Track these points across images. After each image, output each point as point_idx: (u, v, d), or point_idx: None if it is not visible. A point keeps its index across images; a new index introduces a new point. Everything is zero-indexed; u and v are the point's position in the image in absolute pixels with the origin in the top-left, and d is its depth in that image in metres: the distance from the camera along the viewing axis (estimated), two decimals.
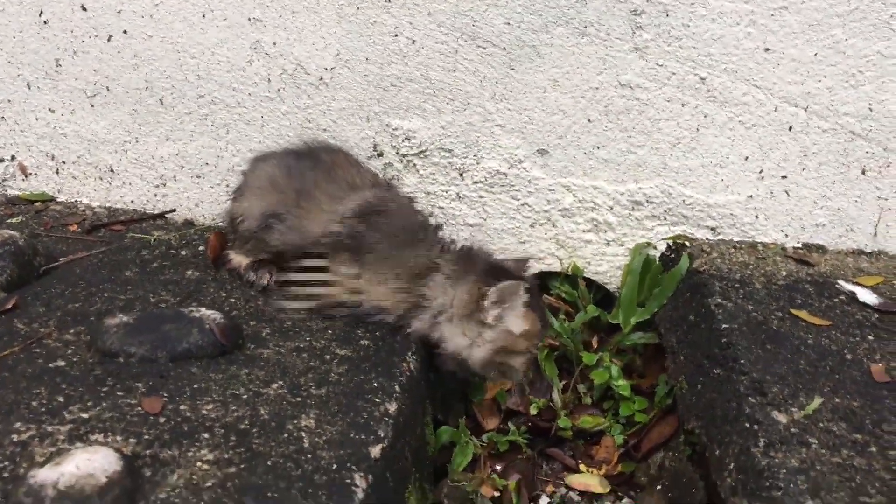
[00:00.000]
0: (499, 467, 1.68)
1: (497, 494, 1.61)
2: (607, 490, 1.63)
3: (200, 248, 1.90)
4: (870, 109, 1.81)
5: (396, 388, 1.40)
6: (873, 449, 1.20)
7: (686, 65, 1.82)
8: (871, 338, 1.50)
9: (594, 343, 1.93)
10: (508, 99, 1.90)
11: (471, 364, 1.55)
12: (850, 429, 1.24)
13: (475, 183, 1.98)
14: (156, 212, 2.09)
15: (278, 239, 1.66)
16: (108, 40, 2.01)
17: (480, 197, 1.99)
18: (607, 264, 1.99)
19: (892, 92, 1.79)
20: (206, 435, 1.22)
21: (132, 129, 2.07)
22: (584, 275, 2.00)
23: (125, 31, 1.99)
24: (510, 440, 1.72)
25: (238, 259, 1.74)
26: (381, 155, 1.98)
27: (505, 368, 1.56)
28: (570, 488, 1.66)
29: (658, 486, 1.59)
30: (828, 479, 1.13)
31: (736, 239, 1.91)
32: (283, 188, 1.68)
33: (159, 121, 2.05)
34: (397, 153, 1.97)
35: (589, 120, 1.90)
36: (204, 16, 1.93)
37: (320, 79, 1.94)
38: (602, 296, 2.02)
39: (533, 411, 1.77)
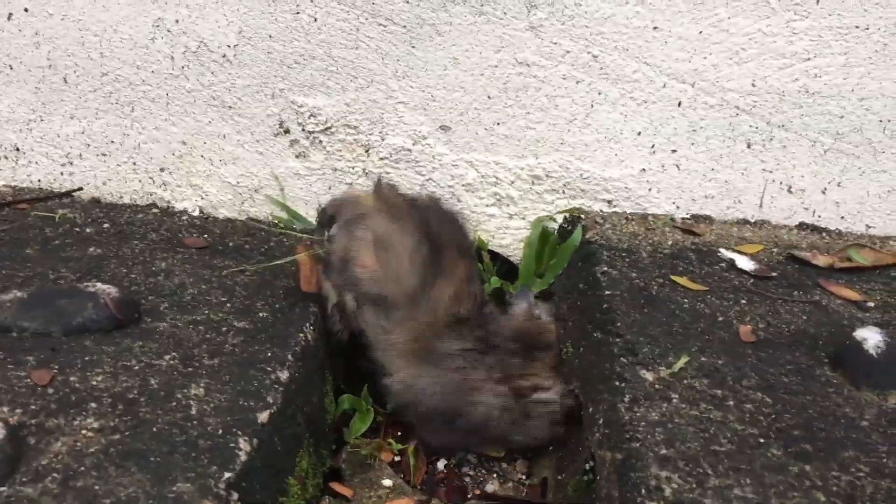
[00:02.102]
0: (400, 434, 1.74)
1: (397, 459, 1.67)
2: (502, 454, 1.69)
3: (105, 225, 1.91)
4: (753, 86, 1.90)
5: (290, 356, 1.45)
6: (731, 403, 1.28)
7: (579, 43, 1.88)
8: (743, 301, 1.59)
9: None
10: (410, 76, 1.94)
11: None
12: (712, 385, 1.32)
13: (381, 159, 2.02)
14: (62, 190, 2.09)
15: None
16: (9, 18, 1.99)
17: (387, 173, 2.03)
18: (510, 237, 2.06)
19: (773, 69, 1.88)
20: (93, 404, 1.24)
21: (36, 107, 2.06)
22: (489, 248, 2.06)
23: (26, 9, 1.98)
24: None
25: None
26: (287, 132, 2.01)
27: None
28: (468, 451, 1.72)
29: (551, 448, 1.66)
30: (683, 430, 1.21)
31: (630, 211, 1.99)
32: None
33: (63, 99, 2.04)
34: (303, 130, 2.00)
35: (489, 97, 1.95)
36: None
37: (224, 56, 1.95)
38: (507, 269, 2.09)
39: None
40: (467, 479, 1.65)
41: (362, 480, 1.58)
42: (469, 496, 1.61)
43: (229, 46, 1.95)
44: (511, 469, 1.68)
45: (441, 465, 1.67)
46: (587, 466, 1.40)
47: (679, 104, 1.93)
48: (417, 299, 1.54)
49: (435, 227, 1.58)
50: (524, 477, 1.67)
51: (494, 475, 1.66)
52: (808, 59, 1.87)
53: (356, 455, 1.62)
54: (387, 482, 1.58)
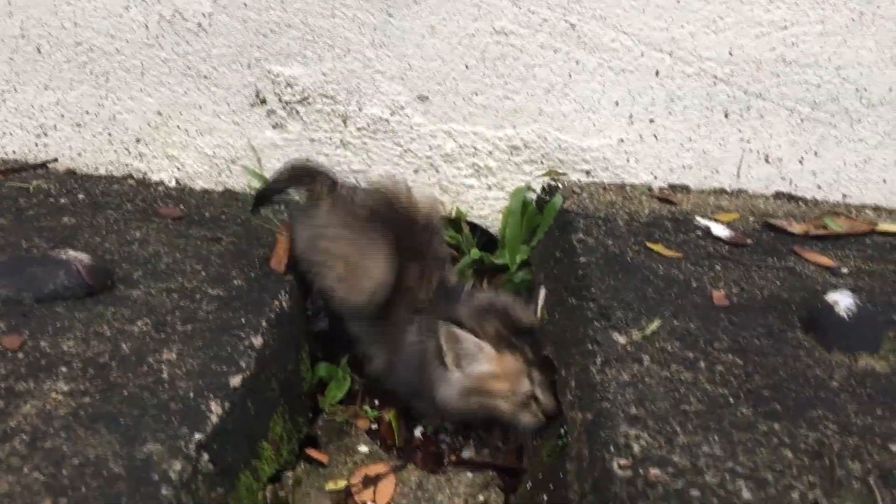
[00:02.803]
0: (376, 402, 1.74)
1: (374, 427, 1.67)
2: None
3: (80, 196, 1.90)
4: (730, 55, 1.90)
5: (264, 323, 1.44)
6: (702, 364, 1.29)
7: (556, 11, 1.87)
8: (717, 267, 1.60)
9: (483, 285, 2.00)
10: (388, 46, 1.93)
11: (446, 407, 1.48)
12: (684, 347, 1.33)
13: (358, 130, 2.01)
14: (37, 162, 2.07)
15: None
16: None
17: (364, 144, 2.02)
18: (489, 208, 2.06)
19: (750, 37, 1.88)
20: (63, 369, 1.24)
21: (10, 77, 2.03)
22: (468, 219, 2.06)
23: None
24: None
25: None
26: (263, 102, 1.99)
27: (489, 413, 1.46)
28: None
29: None
30: (654, 390, 1.21)
31: (608, 181, 1.99)
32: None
33: (37, 69, 2.02)
34: (280, 100, 1.99)
35: (466, 66, 1.94)
36: None
37: (199, 25, 1.94)
38: (486, 240, 2.09)
39: None
40: (444, 446, 1.65)
41: (338, 447, 1.58)
42: (445, 462, 1.61)
43: (204, 15, 1.93)
44: (488, 437, 1.69)
45: (418, 432, 1.68)
46: (562, 431, 1.40)
47: (657, 73, 1.92)
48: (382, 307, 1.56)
49: (394, 239, 1.57)
50: (501, 444, 1.68)
51: (471, 442, 1.67)
52: (785, 27, 1.87)
53: (333, 422, 1.62)
54: (363, 448, 1.58)
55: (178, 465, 1.08)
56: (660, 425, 1.14)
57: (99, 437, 1.10)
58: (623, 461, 1.07)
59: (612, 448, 1.10)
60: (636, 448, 1.09)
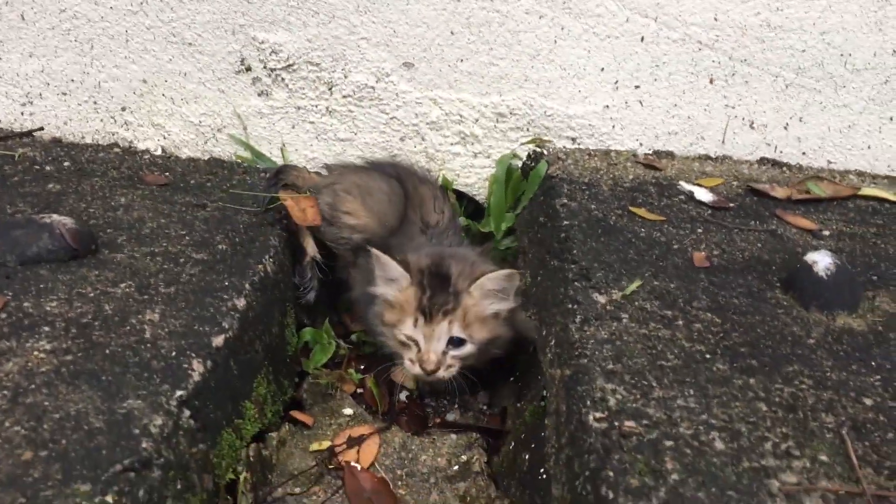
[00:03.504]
0: (363, 367, 1.75)
1: (360, 391, 1.69)
2: None
3: (66, 163, 1.90)
4: (715, 20, 1.89)
5: (248, 286, 1.45)
6: (680, 323, 1.30)
7: None
8: (699, 230, 1.61)
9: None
10: (372, 11, 1.93)
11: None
12: (663, 306, 1.34)
13: (344, 97, 2.01)
14: (23, 130, 2.06)
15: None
16: None
17: (350, 111, 2.02)
18: (475, 176, 2.06)
19: (735, 2, 1.88)
20: (46, 328, 1.25)
21: None
22: (455, 187, 2.06)
23: None
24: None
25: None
26: (249, 69, 1.99)
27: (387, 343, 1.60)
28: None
29: (511, 379, 1.69)
30: (631, 347, 1.22)
31: (592, 148, 1.99)
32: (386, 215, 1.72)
33: (21, 37, 2.01)
34: (265, 67, 1.98)
35: (452, 33, 1.94)
36: None
37: None
38: (473, 209, 2.09)
39: None
40: (429, 410, 1.67)
41: (323, 409, 1.59)
42: (430, 424, 1.63)
43: None
44: (472, 399, 1.70)
45: (403, 396, 1.69)
46: (544, 393, 1.42)
47: (642, 39, 1.92)
48: (396, 231, 1.70)
49: (393, 171, 1.79)
50: (485, 407, 1.69)
51: (456, 405, 1.68)
52: None
53: (317, 386, 1.64)
54: (347, 411, 1.60)
55: (158, 420, 1.09)
56: (636, 380, 1.15)
57: (80, 393, 1.11)
58: (599, 414, 1.09)
59: (588, 402, 1.11)
60: (612, 402, 1.11)
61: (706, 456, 1.01)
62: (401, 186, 1.76)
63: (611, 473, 0.99)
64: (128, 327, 1.28)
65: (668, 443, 1.03)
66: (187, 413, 1.15)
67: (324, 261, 1.73)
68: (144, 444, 1.04)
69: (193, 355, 1.23)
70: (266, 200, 1.73)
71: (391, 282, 1.54)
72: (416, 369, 1.51)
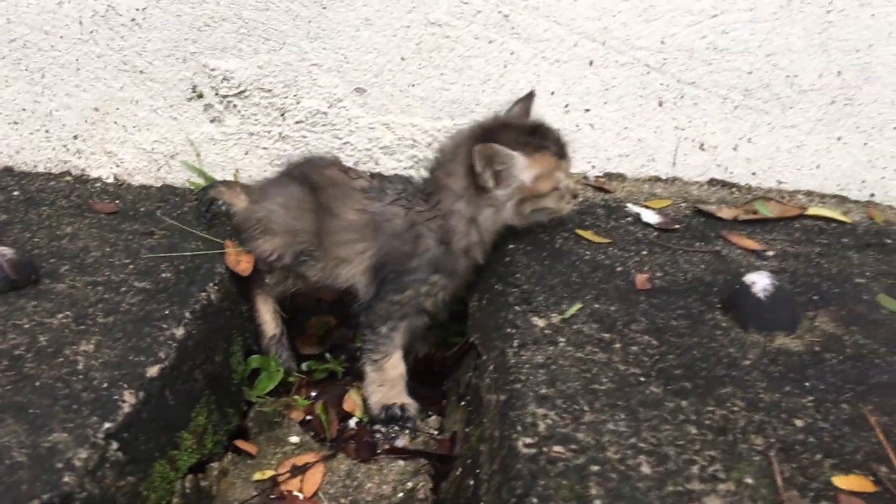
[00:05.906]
0: (314, 393, 1.74)
1: (308, 418, 1.68)
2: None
3: (15, 193, 1.89)
4: (662, 43, 1.91)
5: (188, 314, 1.44)
6: (617, 346, 1.30)
7: (490, 2, 1.88)
8: (644, 252, 1.61)
9: None
10: (323, 38, 1.93)
11: (509, 224, 1.60)
12: (601, 329, 1.34)
13: (297, 123, 2.01)
14: None
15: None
16: None
17: (303, 136, 2.02)
18: None
19: (682, 25, 1.89)
20: None
21: None
22: None
23: None
24: (327, 368, 1.78)
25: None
26: (200, 96, 1.99)
27: (543, 213, 1.59)
28: None
29: (462, 403, 1.68)
30: (566, 371, 1.22)
31: None
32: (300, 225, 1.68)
33: None
34: (217, 94, 1.98)
35: (403, 58, 1.95)
36: None
37: (133, 20, 1.93)
38: None
39: (358, 342, 1.82)
40: (378, 436, 1.65)
41: (268, 438, 1.58)
42: (379, 451, 1.61)
43: (138, 9, 1.92)
44: (423, 425, 1.69)
45: (353, 422, 1.68)
46: (483, 419, 1.41)
47: (591, 63, 1.94)
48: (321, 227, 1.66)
49: (298, 171, 1.75)
50: (436, 432, 1.68)
51: (406, 432, 1.67)
52: (716, 15, 1.88)
53: (264, 414, 1.62)
54: (294, 439, 1.58)
55: (83, 454, 1.08)
56: (568, 404, 1.15)
57: (5, 426, 1.10)
58: (528, 440, 1.09)
59: (519, 427, 1.11)
60: (542, 427, 1.10)
61: (631, 481, 1.01)
62: (308, 183, 1.68)
63: (534, 500, 0.98)
64: (61, 359, 1.27)
65: (595, 468, 1.03)
66: (115, 445, 1.13)
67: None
68: (66, 479, 1.03)
69: (126, 386, 1.22)
70: (206, 222, 1.77)
71: (509, 169, 1.50)
72: (571, 205, 1.61)
